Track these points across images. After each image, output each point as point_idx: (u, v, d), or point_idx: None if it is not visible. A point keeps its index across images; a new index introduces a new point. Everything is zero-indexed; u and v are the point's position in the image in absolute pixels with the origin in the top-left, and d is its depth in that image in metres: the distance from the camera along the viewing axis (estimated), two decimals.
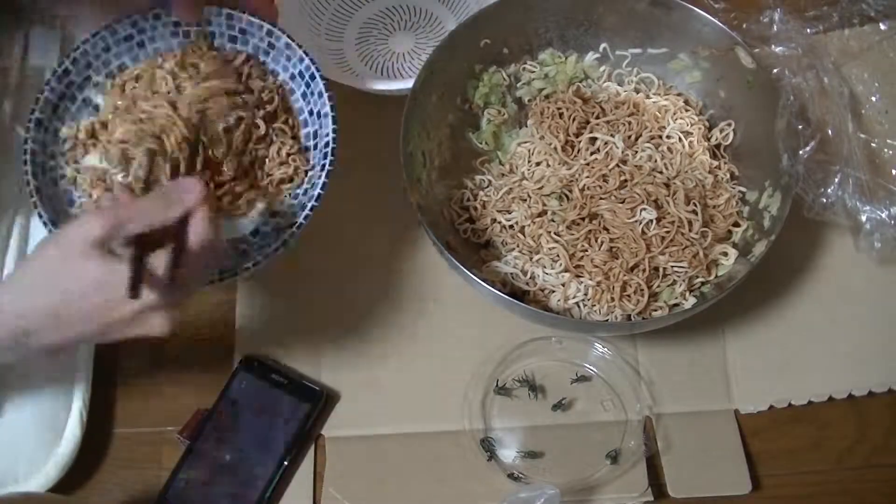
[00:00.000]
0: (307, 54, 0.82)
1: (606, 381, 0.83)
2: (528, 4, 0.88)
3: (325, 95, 0.80)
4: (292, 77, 0.83)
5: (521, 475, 0.79)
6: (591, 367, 0.84)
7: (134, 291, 0.58)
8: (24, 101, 0.90)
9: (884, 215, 0.84)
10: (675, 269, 0.81)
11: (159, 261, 0.60)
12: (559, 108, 0.88)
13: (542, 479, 0.79)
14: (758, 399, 0.83)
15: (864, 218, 0.84)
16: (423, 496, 0.79)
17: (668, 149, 0.88)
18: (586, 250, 0.82)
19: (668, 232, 0.82)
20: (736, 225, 0.85)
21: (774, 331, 0.85)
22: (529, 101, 0.92)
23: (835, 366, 0.84)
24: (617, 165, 0.85)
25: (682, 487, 0.79)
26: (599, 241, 0.82)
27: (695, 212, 0.82)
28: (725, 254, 0.83)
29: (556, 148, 0.87)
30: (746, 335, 0.85)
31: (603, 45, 0.91)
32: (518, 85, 0.92)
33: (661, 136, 0.88)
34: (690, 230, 0.82)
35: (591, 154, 0.87)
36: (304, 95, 0.83)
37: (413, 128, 0.83)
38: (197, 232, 0.61)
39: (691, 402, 0.83)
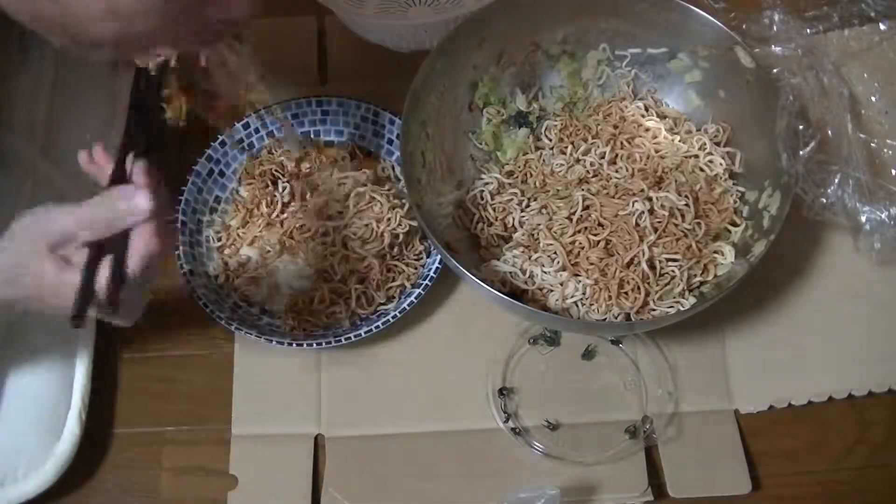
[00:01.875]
0: (361, 100, 0.90)
1: (633, 360, 0.84)
2: (528, 4, 0.88)
3: (396, 121, 0.88)
4: (357, 126, 0.91)
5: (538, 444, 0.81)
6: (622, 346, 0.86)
7: (77, 320, 0.58)
8: (22, 108, 0.90)
9: (883, 216, 0.84)
10: (671, 262, 0.81)
11: (103, 276, 0.59)
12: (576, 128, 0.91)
13: (562, 450, 0.80)
14: (758, 399, 0.83)
15: (863, 219, 0.84)
16: (423, 496, 0.79)
17: (656, 150, 0.89)
18: (583, 247, 0.82)
19: (660, 222, 0.82)
20: (733, 224, 0.85)
21: (774, 331, 0.85)
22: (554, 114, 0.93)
23: (835, 366, 0.84)
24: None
25: (682, 487, 0.79)
26: (596, 237, 0.82)
27: (687, 204, 0.83)
28: (722, 253, 0.83)
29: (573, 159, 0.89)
30: (746, 335, 0.85)
31: (603, 45, 0.91)
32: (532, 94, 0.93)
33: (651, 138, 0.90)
34: (683, 221, 0.83)
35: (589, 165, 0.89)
36: (374, 133, 0.92)
37: (412, 127, 0.83)
38: (141, 246, 0.60)
39: (691, 401, 0.83)
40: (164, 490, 0.80)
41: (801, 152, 0.81)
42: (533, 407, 0.83)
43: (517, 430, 0.81)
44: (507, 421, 0.82)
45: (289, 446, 0.81)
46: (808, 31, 0.93)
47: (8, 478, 0.76)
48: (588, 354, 0.85)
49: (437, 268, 0.83)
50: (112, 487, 0.80)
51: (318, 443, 0.82)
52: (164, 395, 0.84)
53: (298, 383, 0.84)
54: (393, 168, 0.91)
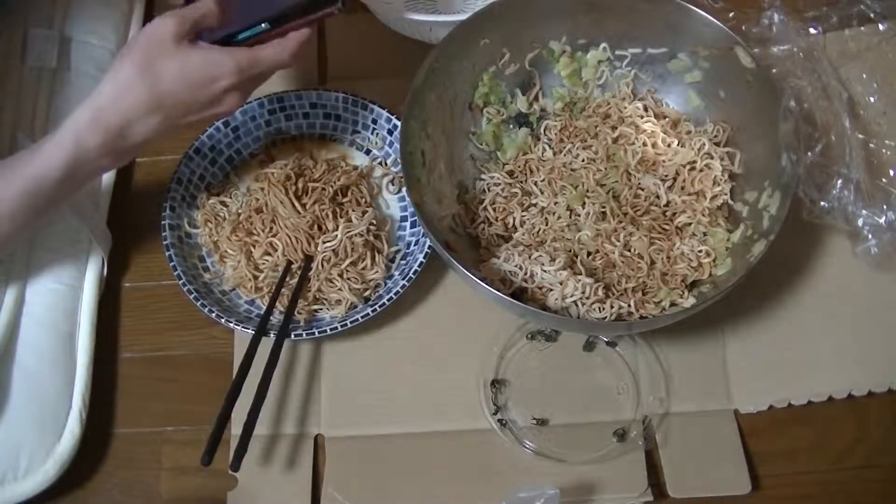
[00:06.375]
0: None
1: (628, 364, 0.84)
2: (528, 4, 0.88)
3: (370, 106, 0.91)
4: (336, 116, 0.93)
5: (526, 440, 0.81)
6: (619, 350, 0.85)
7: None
8: (23, 105, 0.90)
9: (881, 220, 0.84)
10: (671, 261, 0.82)
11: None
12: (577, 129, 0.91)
13: (548, 447, 0.80)
14: (757, 399, 0.83)
15: (861, 222, 0.84)
16: (423, 496, 0.79)
17: (655, 151, 0.89)
18: (583, 246, 0.83)
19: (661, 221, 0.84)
20: (733, 224, 0.85)
21: (774, 331, 0.85)
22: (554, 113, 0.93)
23: (834, 366, 0.84)
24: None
25: (681, 487, 0.79)
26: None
27: (686, 202, 0.85)
28: (722, 253, 0.83)
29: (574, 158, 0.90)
30: (746, 335, 0.85)
31: (603, 45, 0.91)
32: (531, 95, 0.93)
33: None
34: (684, 220, 0.84)
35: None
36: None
37: (412, 127, 0.83)
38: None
39: (691, 402, 0.83)
40: (164, 490, 0.80)
41: (804, 155, 0.81)
42: (523, 402, 0.83)
43: (503, 422, 0.81)
44: (495, 413, 0.82)
45: (289, 446, 0.81)
46: (808, 31, 0.93)
47: (8, 477, 0.76)
48: (589, 346, 0.85)
49: (427, 253, 0.84)
50: (112, 487, 0.80)
51: (318, 443, 0.82)
52: (164, 395, 0.84)
53: (298, 383, 0.84)
54: (368, 153, 0.93)
